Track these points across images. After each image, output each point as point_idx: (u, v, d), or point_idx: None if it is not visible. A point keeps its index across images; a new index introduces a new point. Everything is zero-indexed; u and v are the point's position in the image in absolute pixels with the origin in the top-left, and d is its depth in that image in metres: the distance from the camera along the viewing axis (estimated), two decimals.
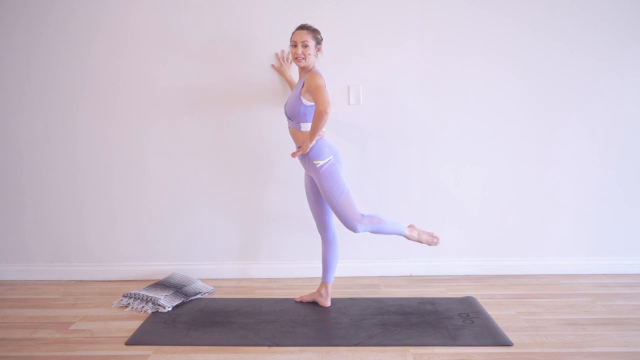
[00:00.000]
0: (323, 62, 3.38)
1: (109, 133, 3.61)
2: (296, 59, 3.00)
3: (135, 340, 2.71)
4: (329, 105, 2.82)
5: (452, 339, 2.68)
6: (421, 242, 3.18)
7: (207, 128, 3.60)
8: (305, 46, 2.96)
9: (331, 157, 2.99)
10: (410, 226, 3.16)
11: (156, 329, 2.84)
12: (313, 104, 2.93)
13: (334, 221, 3.17)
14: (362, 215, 2.97)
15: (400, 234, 3.10)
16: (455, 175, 3.66)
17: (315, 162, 2.97)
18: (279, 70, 3.52)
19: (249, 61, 3.55)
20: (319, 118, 2.84)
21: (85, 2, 3.53)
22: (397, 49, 3.57)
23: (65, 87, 3.58)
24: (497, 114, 3.62)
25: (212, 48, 3.55)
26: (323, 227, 3.16)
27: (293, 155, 3.02)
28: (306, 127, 3.00)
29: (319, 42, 3.02)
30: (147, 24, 3.55)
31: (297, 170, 3.47)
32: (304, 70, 3.04)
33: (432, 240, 3.19)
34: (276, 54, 3.52)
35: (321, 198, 3.11)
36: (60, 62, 3.56)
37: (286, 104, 3.08)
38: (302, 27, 3.02)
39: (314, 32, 3.01)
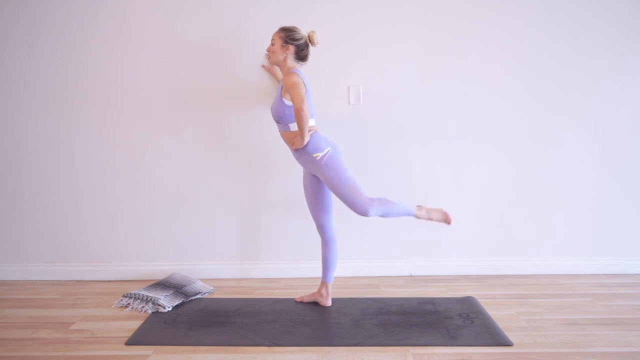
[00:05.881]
0: (323, 63, 3.38)
1: (109, 133, 3.61)
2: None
3: (135, 340, 2.71)
4: (304, 102, 2.84)
5: (452, 339, 2.68)
6: (432, 220, 3.15)
7: (207, 128, 3.60)
8: (272, 44, 3.06)
9: (329, 148, 2.99)
10: (418, 206, 3.14)
11: (156, 329, 2.84)
12: None
13: (333, 221, 3.17)
14: (372, 199, 2.97)
15: (410, 214, 3.09)
16: (455, 175, 3.66)
17: (314, 155, 2.97)
18: (270, 71, 3.51)
19: (249, 61, 3.55)
20: (297, 116, 2.87)
21: (85, 1, 3.53)
22: (397, 49, 3.57)
23: (65, 87, 3.58)
24: (497, 114, 3.62)
25: (212, 48, 3.55)
26: (322, 228, 3.16)
27: (292, 148, 3.03)
28: (294, 127, 3.01)
29: (285, 41, 3.02)
30: (147, 24, 3.55)
31: (297, 170, 3.47)
32: (283, 71, 3.07)
33: (443, 217, 3.15)
34: (266, 55, 3.50)
35: (320, 199, 3.11)
36: (60, 62, 3.56)
37: (271, 108, 3.09)
38: None
39: (280, 31, 3.04)
